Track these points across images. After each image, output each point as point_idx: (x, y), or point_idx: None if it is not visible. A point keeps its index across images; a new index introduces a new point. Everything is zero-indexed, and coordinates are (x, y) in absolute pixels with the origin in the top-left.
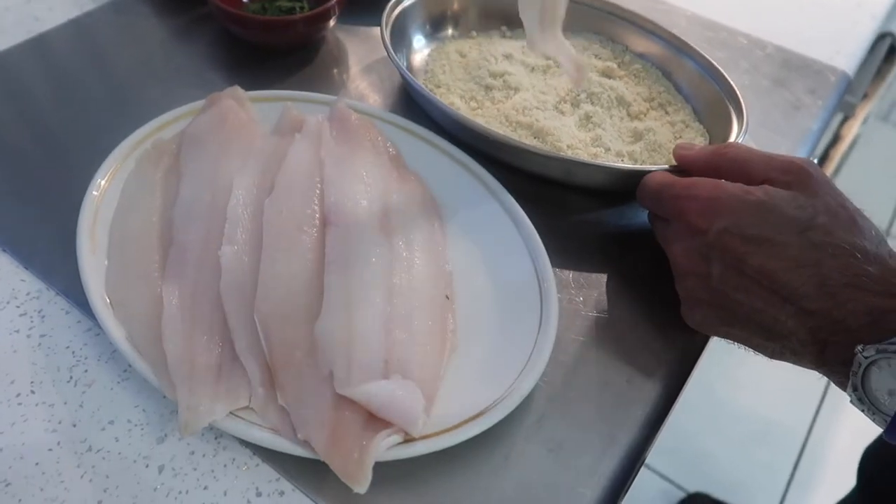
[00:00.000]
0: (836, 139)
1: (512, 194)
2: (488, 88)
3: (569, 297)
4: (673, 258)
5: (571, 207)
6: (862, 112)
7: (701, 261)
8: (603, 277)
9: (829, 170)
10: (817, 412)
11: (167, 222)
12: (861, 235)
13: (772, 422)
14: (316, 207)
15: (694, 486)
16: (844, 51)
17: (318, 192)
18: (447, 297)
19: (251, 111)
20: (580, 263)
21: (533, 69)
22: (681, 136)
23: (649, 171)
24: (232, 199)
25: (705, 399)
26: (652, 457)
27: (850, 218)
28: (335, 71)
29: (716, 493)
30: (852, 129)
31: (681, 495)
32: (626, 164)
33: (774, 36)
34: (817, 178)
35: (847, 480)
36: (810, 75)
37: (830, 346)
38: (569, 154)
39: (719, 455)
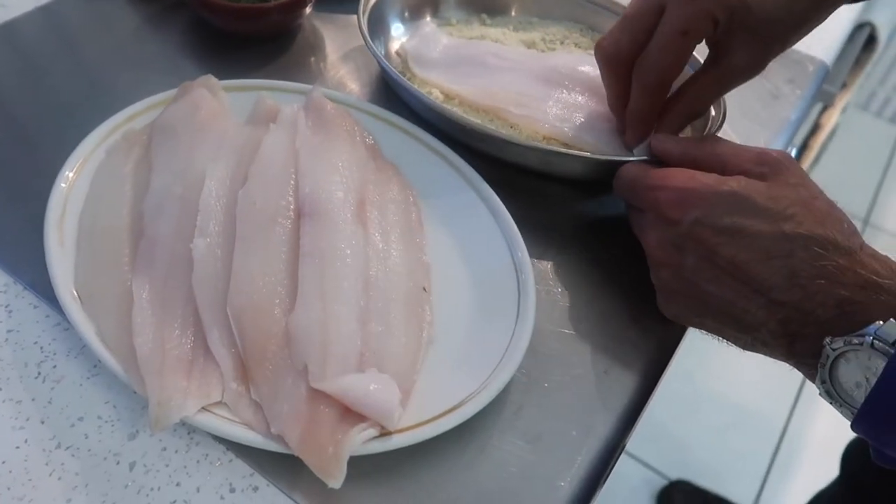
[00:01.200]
0: (815, 129)
1: (490, 184)
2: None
3: (547, 289)
4: (647, 249)
5: (550, 197)
6: (841, 101)
7: (674, 252)
8: (581, 268)
9: (808, 159)
10: (797, 400)
11: (137, 214)
12: (833, 227)
13: (752, 409)
14: (290, 199)
15: (676, 474)
16: (823, 41)
17: (292, 183)
18: (424, 289)
19: (224, 101)
20: (558, 254)
21: None
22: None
23: (626, 162)
24: (204, 191)
25: (687, 387)
26: (634, 445)
27: (822, 210)
28: (312, 59)
29: (698, 481)
30: (832, 119)
31: (663, 483)
32: (604, 155)
33: None
34: (792, 170)
35: (826, 468)
36: (789, 65)
37: (800, 339)
38: (546, 144)
39: (701, 442)
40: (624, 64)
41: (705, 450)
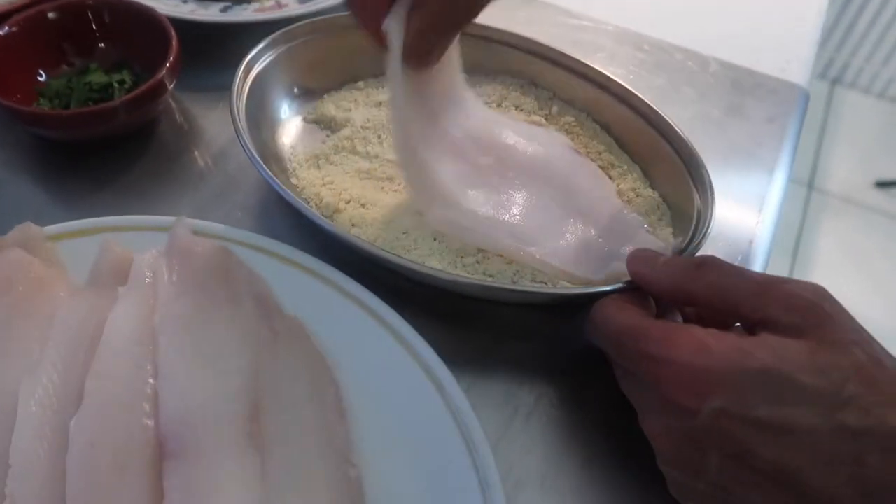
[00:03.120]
0: None
1: (426, 318)
2: (384, 178)
3: (516, 480)
4: (651, 436)
5: (504, 331)
6: None
7: (690, 447)
8: (561, 436)
9: None
10: None
11: None
12: None
13: None
14: (148, 423)
15: None
16: (797, 58)
17: (150, 392)
18: None
19: (53, 255)
20: (527, 419)
21: None
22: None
23: (597, 294)
24: (17, 430)
25: None
26: None
27: (890, 381)
28: (183, 159)
29: None
30: None
31: None
32: (563, 287)
33: (713, 46)
34: (836, 318)
35: None
36: (765, 97)
37: None
38: (486, 279)
39: None
40: None
41: None
